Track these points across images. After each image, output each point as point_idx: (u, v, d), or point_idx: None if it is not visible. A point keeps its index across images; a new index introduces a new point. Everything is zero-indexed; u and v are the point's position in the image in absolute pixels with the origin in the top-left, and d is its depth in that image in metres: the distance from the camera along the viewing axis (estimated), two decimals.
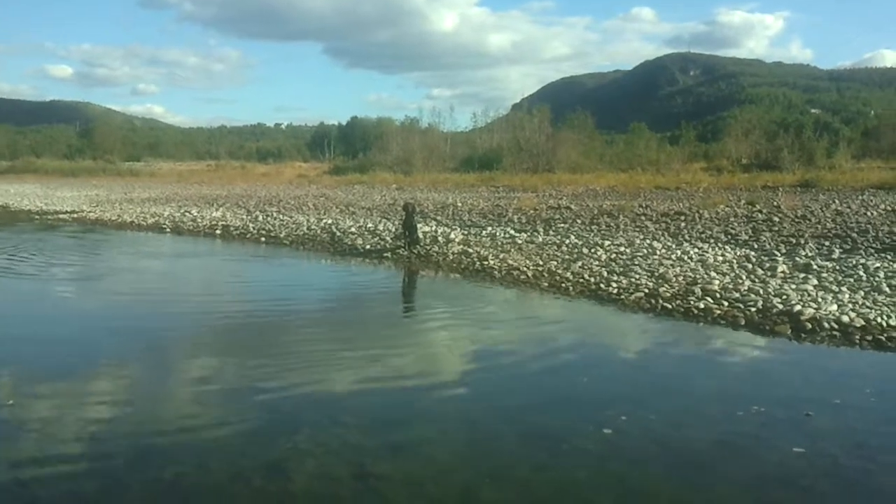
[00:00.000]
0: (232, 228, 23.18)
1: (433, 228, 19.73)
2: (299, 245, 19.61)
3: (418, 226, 17.83)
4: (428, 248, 17.06)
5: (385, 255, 17.18)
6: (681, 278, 12.14)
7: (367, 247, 18.15)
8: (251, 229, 22.58)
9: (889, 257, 13.07)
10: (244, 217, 25.71)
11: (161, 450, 5.83)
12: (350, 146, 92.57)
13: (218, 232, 22.99)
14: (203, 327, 10.37)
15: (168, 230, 24.39)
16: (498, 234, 18.46)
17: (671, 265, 13.22)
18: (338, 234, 20.22)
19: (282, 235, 21.03)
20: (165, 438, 6.07)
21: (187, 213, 27.87)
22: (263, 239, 20.94)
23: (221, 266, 17.32)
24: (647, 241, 15.89)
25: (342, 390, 7.35)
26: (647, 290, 11.61)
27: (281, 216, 25.34)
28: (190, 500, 5.05)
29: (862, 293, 10.69)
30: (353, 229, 20.76)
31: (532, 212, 21.48)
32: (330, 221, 22.88)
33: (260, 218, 25.12)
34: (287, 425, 6.25)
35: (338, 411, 6.64)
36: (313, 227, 21.91)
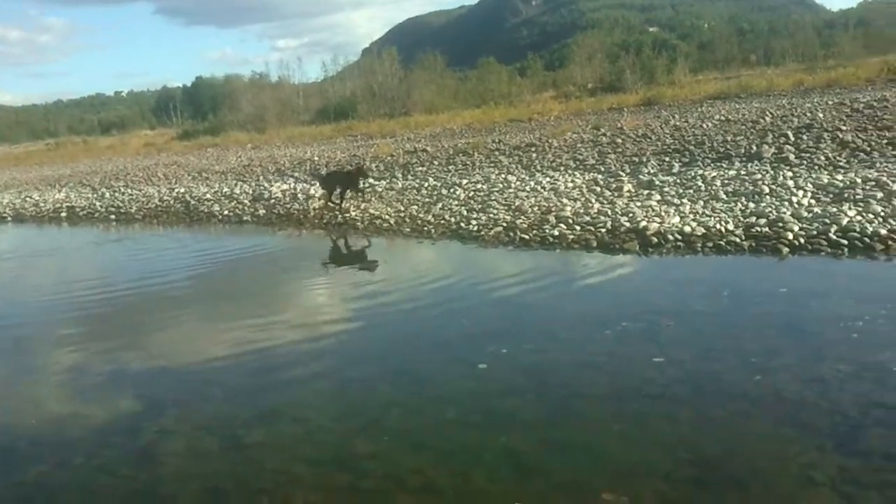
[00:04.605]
0: (78, 209, 21.97)
1: (292, 186, 19.42)
2: (153, 219, 18.88)
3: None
4: (288, 206, 16.81)
5: (245, 219, 16.80)
6: (536, 208, 12.51)
7: (226, 212, 17.68)
8: (99, 208, 21.49)
9: (724, 165, 13.90)
10: (90, 196, 24.37)
11: (20, 451, 5.59)
12: (198, 108, 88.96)
13: (63, 215, 21.78)
14: (51, 319, 9.86)
15: (9, 218, 22.95)
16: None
17: (526, 197, 13.59)
18: (193, 202, 19.57)
19: (133, 211, 20.16)
20: (24, 439, 5.81)
21: (28, 198, 26.20)
22: (113, 217, 20.00)
23: (69, 251, 16.41)
24: (503, 176, 16.22)
25: (208, 364, 7.20)
26: (505, 224, 11.92)
27: (129, 190, 24.22)
28: (56, 499, 4.88)
29: (701, 203, 11.38)
30: (208, 196, 20.14)
31: (389, 158, 21.45)
32: (183, 190, 22.07)
33: (107, 195, 23.90)
34: (151, 408, 6.10)
35: (204, 385, 6.52)
36: (166, 198, 21.10)
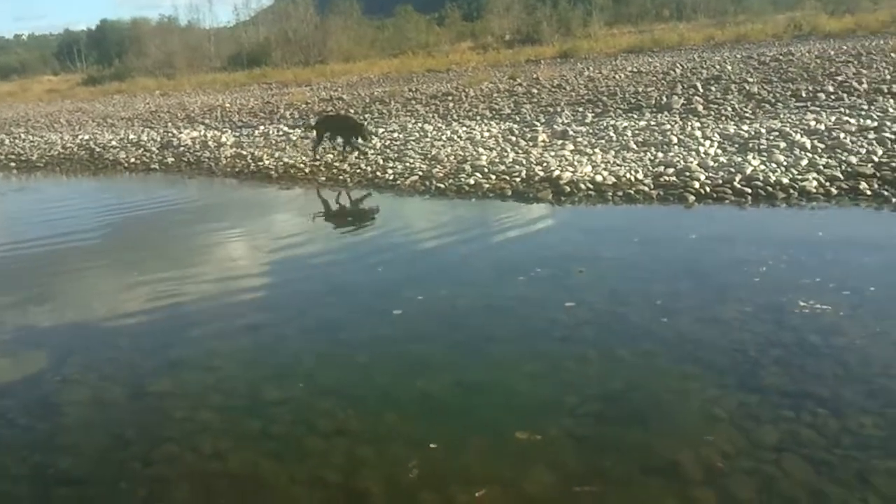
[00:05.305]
0: None
1: (202, 133, 18.85)
2: (55, 166, 18.14)
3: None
4: (198, 154, 16.32)
5: (153, 167, 16.25)
6: (452, 158, 12.49)
7: (132, 160, 17.05)
8: None
9: (635, 116, 14.15)
10: None
11: None
12: (104, 53, 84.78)
13: None
14: None
15: None
16: (271, 132, 17.97)
17: (442, 146, 13.54)
18: (97, 149, 18.82)
19: (34, 158, 19.29)
20: None
21: None
22: (13, 164, 19.11)
23: None
24: (419, 125, 16.12)
25: (115, 316, 6.95)
26: (421, 173, 11.86)
27: (30, 137, 23.14)
28: None
29: (613, 152, 11.55)
30: (114, 143, 19.40)
31: (304, 106, 21.04)
32: (87, 137, 21.21)
33: (7, 142, 22.78)
34: (54, 358, 5.87)
35: (110, 336, 6.32)
36: (69, 144, 20.25)
